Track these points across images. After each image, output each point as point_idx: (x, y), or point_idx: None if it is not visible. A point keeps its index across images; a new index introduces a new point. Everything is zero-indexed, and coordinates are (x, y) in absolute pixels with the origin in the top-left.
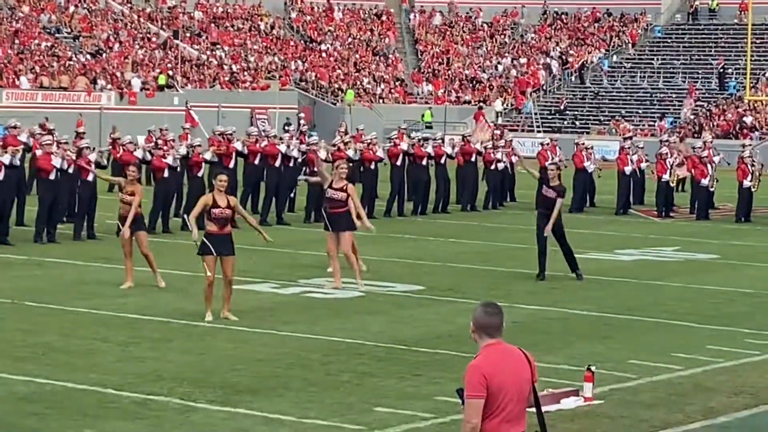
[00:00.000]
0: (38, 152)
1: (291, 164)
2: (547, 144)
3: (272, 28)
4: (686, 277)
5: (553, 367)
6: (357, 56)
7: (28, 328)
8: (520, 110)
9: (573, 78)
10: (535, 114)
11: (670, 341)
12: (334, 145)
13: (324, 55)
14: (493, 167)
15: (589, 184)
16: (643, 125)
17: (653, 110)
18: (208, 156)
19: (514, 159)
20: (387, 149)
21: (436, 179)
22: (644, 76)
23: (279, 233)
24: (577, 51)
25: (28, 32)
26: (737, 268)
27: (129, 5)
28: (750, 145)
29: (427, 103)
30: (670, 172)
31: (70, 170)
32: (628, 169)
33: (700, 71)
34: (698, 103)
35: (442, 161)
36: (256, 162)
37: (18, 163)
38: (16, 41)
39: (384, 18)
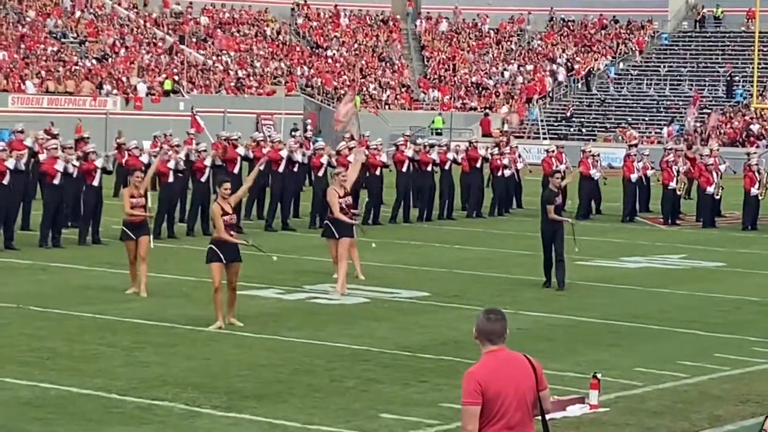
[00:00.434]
0: (42, 157)
1: (295, 169)
2: (553, 151)
3: (278, 33)
4: (692, 285)
5: (558, 375)
6: (363, 62)
7: (33, 333)
8: (522, 121)
9: (579, 85)
10: (541, 121)
11: (677, 349)
12: (338, 152)
13: (330, 60)
14: (499, 174)
15: (596, 191)
16: (650, 132)
17: (660, 118)
18: (207, 162)
19: (519, 166)
20: (392, 155)
21: (440, 185)
22: (651, 84)
23: (284, 239)
24: (583, 58)
25: (34, 37)
26: (744, 276)
27: (135, 10)
28: (756, 153)
29: (433, 109)
30: (677, 180)
31: (75, 175)
32: (634, 177)
33: (707, 79)
34: (704, 110)
35: (447, 167)
36: (261, 168)
37: (23, 167)
38: (22, 46)
39: (390, 24)
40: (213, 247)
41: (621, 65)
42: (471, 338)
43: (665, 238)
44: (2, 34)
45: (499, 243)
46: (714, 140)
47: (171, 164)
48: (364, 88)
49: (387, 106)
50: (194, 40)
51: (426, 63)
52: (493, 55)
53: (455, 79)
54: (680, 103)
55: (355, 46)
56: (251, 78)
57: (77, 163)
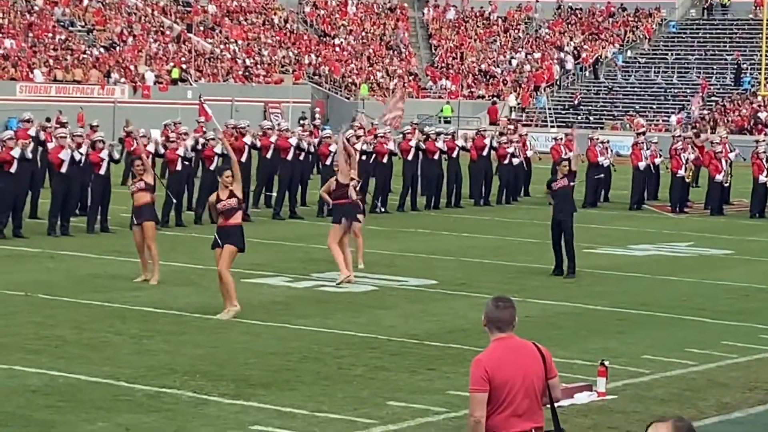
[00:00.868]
0: (50, 145)
1: (303, 158)
2: (561, 139)
3: (286, 22)
4: (700, 273)
5: (566, 362)
6: (371, 50)
7: (41, 321)
8: (524, 109)
9: (587, 73)
10: (549, 109)
11: (684, 337)
12: (347, 140)
13: (338, 49)
14: (506, 162)
15: (604, 178)
16: (657, 120)
17: (667, 106)
18: (218, 149)
19: (529, 154)
20: (399, 143)
21: (448, 173)
22: (658, 72)
23: (292, 227)
24: (591, 46)
25: (41, 25)
26: (752, 263)
27: None
28: (764, 140)
29: (441, 97)
30: (685, 168)
31: (82, 163)
32: (642, 165)
33: (714, 67)
34: (713, 98)
35: (455, 155)
36: (269, 156)
37: (30, 156)
38: (30, 34)
39: (398, 12)
40: (215, 234)
41: (629, 53)
42: (478, 326)
43: (673, 226)
44: (10, 22)
45: (507, 231)
46: (722, 127)
47: (180, 151)
48: (372, 77)
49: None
50: (202, 28)
51: (433, 51)
52: (500, 43)
53: (463, 67)
54: (688, 91)
55: (363, 34)
56: (259, 66)
57: (83, 150)
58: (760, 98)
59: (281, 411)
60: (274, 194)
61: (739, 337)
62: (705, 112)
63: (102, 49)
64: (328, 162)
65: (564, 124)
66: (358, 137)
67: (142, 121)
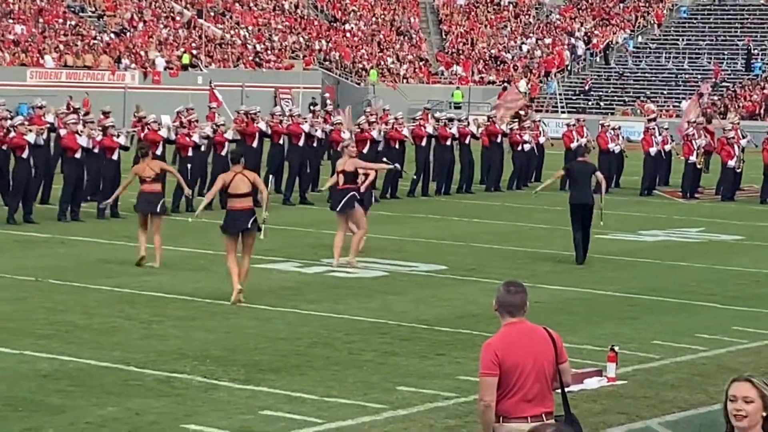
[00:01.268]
0: (63, 131)
1: (314, 144)
2: (573, 125)
3: (296, 7)
4: (711, 258)
5: (576, 347)
6: (381, 36)
7: (52, 306)
8: (533, 99)
9: (598, 59)
10: (560, 95)
11: (694, 322)
12: (358, 125)
13: (348, 34)
14: (519, 148)
15: (615, 164)
16: (668, 106)
17: (678, 91)
18: (229, 135)
19: (541, 140)
20: (412, 130)
21: (460, 159)
22: (669, 57)
23: (302, 213)
24: (602, 31)
25: (52, 11)
26: (762, 249)
27: None
28: None
29: (451, 83)
30: (697, 154)
31: (96, 149)
32: (653, 150)
33: (725, 52)
34: (723, 84)
35: (467, 141)
36: (280, 142)
37: (42, 142)
38: (41, 20)
39: None
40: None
41: (639, 39)
42: (489, 311)
43: (684, 212)
44: (20, 8)
45: (518, 217)
46: (733, 113)
47: (195, 138)
48: (382, 62)
49: (405, 80)
50: (212, 14)
51: (444, 37)
52: (511, 28)
53: (473, 52)
54: (699, 76)
55: (373, 19)
56: (269, 52)
57: (95, 134)
58: None
59: (291, 396)
60: (272, 177)
61: (750, 322)
62: (715, 97)
63: (112, 35)
64: (339, 148)
65: (575, 110)
66: (370, 123)
67: (152, 106)
